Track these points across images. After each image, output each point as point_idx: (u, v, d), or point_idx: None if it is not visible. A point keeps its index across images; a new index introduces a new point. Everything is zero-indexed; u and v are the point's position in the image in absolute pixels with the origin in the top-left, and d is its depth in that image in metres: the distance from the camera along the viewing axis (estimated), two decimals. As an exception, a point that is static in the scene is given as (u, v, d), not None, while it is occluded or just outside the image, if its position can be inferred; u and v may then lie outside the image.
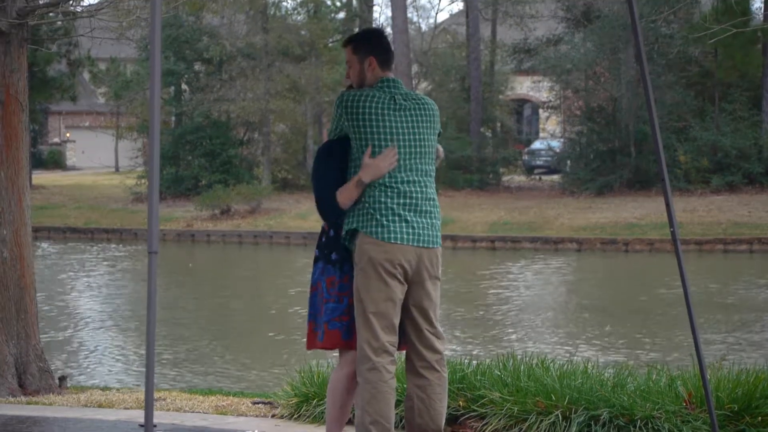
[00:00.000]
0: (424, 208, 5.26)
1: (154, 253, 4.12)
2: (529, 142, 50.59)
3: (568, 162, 39.45)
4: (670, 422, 5.97)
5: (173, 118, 41.89)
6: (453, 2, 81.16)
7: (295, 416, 6.90)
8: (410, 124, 5.27)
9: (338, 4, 44.58)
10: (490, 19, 44.00)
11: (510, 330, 17.81)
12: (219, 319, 19.19)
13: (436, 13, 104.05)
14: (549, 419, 6.13)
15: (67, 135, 59.10)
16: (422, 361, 5.26)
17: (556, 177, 40.36)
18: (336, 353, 5.42)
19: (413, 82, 41.73)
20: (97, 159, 55.28)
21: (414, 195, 5.24)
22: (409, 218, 5.20)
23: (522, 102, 53.50)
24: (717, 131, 35.19)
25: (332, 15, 44.05)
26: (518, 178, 42.46)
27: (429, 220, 5.27)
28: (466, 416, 6.36)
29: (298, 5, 43.28)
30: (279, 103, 39.48)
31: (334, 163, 5.30)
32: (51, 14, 9.54)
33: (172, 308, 19.81)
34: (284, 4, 43.40)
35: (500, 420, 6.23)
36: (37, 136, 54.62)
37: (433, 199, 5.32)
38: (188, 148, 40.75)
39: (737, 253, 29.08)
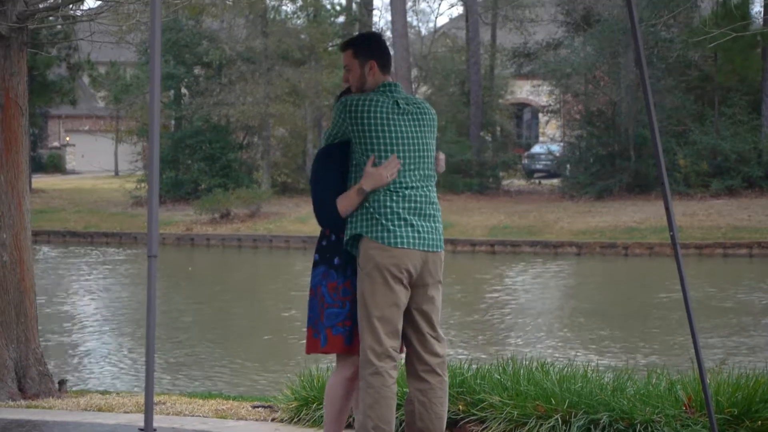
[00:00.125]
0: (428, 212, 5.23)
1: (153, 257, 4.12)
2: (528, 146, 50.56)
3: (568, 166, 39.47)
4: (669, 426, 5.97)
5: (173, 122, 41.88)
6: (453, 6, 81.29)
7: (295, 420, 6.89)
8: (413, 129, 5.24)
9: (338, 8, 44.56)
10: (490, 23, 44.02)
11: (509, 334, 17.81)
12: (219, 322, 19.18)
13: (436, 17, 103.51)
14: (549, 423, 6.13)
15: (67, 139, 59.08)
16: (423, 365, 5.23)
17: (555, 181, 40.36)
18: (333, 355, 5.40)
19: (413, 87, 41.71)
20: (97, 163, 55.31)
21: (418, 199, 5.21)
22: (414, 222, 5.17)
23: (522, 106, 53.49)
24: (716, 135, 35.19)
25: (332, 19, 44.01)
26: (518, 182, 42.43)
27: (433, 224, 5.24)
28: (466, 420, 6.35)
29: (297, 9, 43.27)
30: (279, 107, 39.46)
31: (333, 166, 5.24)
32: (51, 18, 9.53)
33: (172, 312, 19.81)
34: (284, 8, 43.39)
35: (500, 424, 6.23)
36: (36, 139, 54.57)
37: (436, 203, 5.30)
38: (188, 152, 40.75)
39: (737, 257, 29.06)
